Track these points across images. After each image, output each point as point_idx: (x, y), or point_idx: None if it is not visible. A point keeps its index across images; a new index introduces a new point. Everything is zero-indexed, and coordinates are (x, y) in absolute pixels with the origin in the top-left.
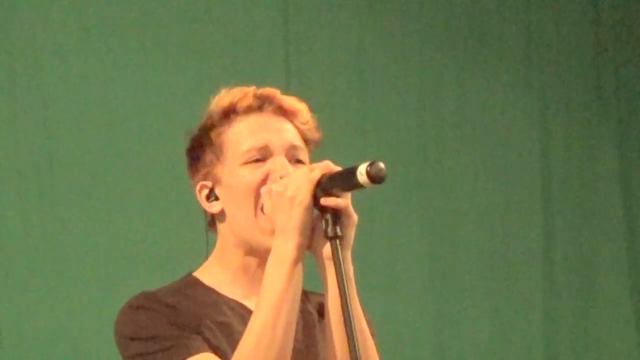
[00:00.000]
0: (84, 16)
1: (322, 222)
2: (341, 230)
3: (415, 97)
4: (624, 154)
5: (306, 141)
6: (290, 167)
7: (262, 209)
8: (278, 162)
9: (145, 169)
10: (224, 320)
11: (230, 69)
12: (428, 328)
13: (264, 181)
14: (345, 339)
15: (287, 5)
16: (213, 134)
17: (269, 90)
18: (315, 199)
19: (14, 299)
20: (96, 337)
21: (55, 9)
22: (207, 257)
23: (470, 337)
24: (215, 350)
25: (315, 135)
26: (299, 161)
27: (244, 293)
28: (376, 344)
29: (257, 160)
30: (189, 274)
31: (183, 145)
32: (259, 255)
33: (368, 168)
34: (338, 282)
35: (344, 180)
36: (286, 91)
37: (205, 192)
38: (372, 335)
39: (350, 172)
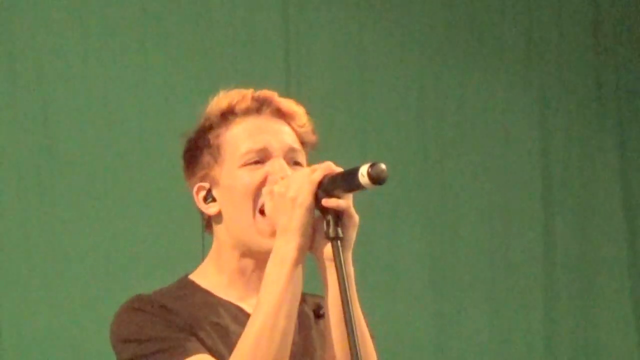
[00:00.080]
0: (84, 16)
1: (324, 223)
2: (342, 231)
3: (415, 97)
4: (624, 154)
5: (303, 143)
6: (288, 170)
7: (260, 210)
8: (277, 165)
9: (145, 169)
10: (220, 322)
11: (230, 69)
12: (428, 328)
13: (262, 183)
14: (345, 340)
15: (287, 5)
16: (211, 136)
17: (267, 93)
18: (317, 200)
19: (14, 299)
20: (96, 337)
21: (55, 9)
22: (203, 259)
23: (470, 337)
24: (211, 352)
25: (312, 137)
26: (297, 163)
27: (240, 295)
28: (375, 346)
29: (255, 162)
30: (185, 277)
31: (182, 146)
32: (256, 257)
33: (369, 169)
34: (339, 283)
35: (346, 182)
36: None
37: (203, 193)
38: (371, 336)
39: (352, 173)
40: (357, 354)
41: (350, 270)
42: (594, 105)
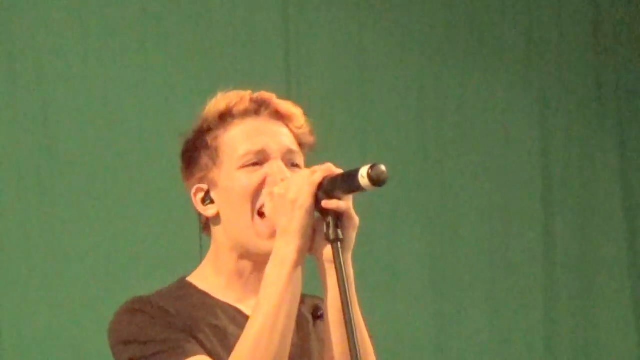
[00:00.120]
0: (84, 16)
1: (324, 224)
2: (342, 233)
3: (415, 97)
4: (624, 154)
5: (301, 145)
6: (287, 171)
7: (259, 212)
8: (275, 166)
9: (145, 169)
10: (218, 324)
11: (230, 69)
12: (428, 328)
13: (261, 185)
14: (345, 342)
15: (287, 5)
16: (209, 138)
17: (265, 95)
18: (317, 201)
19: (14, 299)
20: (96, 337)
21: (55, 9)
22: (201, 261)
23: (470, 337)
24: (209, 353)
25: (309, 139)
26: (295, 165)
27: (238, 297)
28: (374, 347)
29: (254, 164)
30: (183, 279)
31: (180, 146)
32: (254, 259)
33: (369, 171)
34: (339, 284)
35: (346, 183)
36: (286, 91)
37: (201, 195)
38: (370, 337)
39: (352, 175)
40: (357, 355)
41: (350, 271)
42: (594, 105)
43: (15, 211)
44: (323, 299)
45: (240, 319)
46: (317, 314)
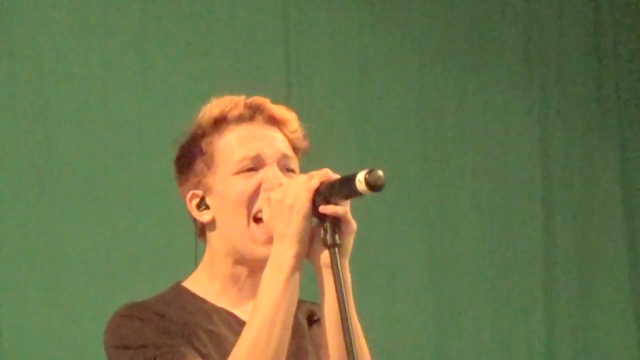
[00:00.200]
0: (84, 16)
1: (321, 230)
2: (340, 238)
3: (415, 97)
4: (624, 154)
5: (295, 149)
6: (282, 177)
7: (254, 218)
8: (270, 172)
9: (145, 170)
10: (213, 329)
11: (230, 70)
12: (428, 329)
13: (256, 191)
14: (342, 346)
15: (287, 6)
16: (204, 143)
17: (259, 100)
18: (314, 206)
19: (14, 299)
20: (96, 338)
21: (55, 9)
22: (196, 266)
23: (471, 338)
24: (205, 358)
25: (303, 143)
26: (290, 170)
27: (233, 302)
28: (370, 354)
29: (249, 170)
30: (178, 284)
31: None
32: (249, 264)
33: (367, 176)
34: (337, 289)
35: (343, 188)
36: (287, 92)
37: (196, 201)
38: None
39: (349, 180)
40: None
41: (348, 277)
42: (594, 105)
43: (15, 211)
44: (319, 304)
45: (235, 324)
46: (313, 319)
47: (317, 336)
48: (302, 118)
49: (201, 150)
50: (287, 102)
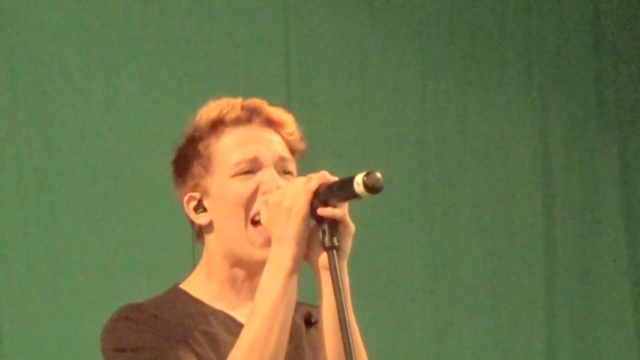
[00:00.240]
0: (84, 17)
1: (319, 232)
2: (338, 240)
3: (416, 99)
4: (624, 157)
5: (293, 152)
6: (279, 179)
7: (252, 221)
8: (268, 174)
9: (145, 170)
10: (210, 331)
11: (231, 73)
12: (429, 334)
13: (254, 193)
14: (339, 349)
15: (287, 9)
16: (201, 146)
17: (256, 102)
18: (312, 209)
19: (14, 300)
20: (96, 338)
21: (55, 8)
22: (193, 268)
23: (471, 346)
24: None
25: (301, 145)
26: (287, 172)
27: (230, 304)
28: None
29: (246, 173)
30: (175, 286)
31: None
32: (247, 267)
33: (365, 178)
34: (335, 291)
35: (341, 191)
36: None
37: (194, 203)
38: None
39: (347, 182)
40: None
41: (346, 279)
42: (594, 106)
43: (15, 212)
44: (316, 306)
45: (233, 327)
46: (310, 321)
47: (315, 338)
48: (302, 121)
49: (198, 152)
50: (288, 105)
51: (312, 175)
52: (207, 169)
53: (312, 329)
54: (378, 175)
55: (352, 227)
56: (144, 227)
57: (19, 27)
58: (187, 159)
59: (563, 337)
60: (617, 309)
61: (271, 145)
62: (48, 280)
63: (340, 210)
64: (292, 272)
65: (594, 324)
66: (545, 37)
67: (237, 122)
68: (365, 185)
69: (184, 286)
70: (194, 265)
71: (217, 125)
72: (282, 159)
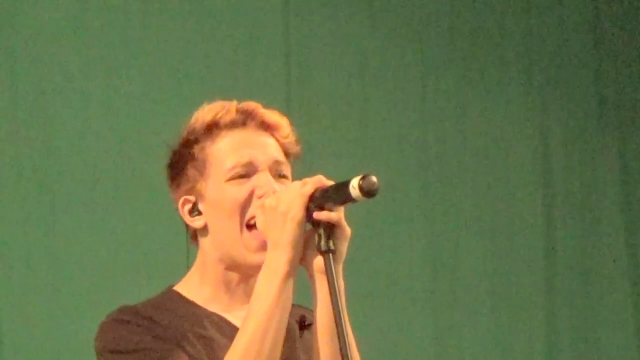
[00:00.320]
0: (84, 17)
1: (315, 236)
2: (334, 244)
3: (416, 101)
4: (624, 157)
5: (287, 155)
6: (274, 183)
7: (247, 225)
8: (262, 178)
9: (144, 170)
10: (204, 334)
11: (231, 74)
12: (429, 334)
13: (249, 197)
14: (335, 353)
15: (287, 10)
16: (196, 149)
17: (251, 105)
18: (308, 213)
19: (14, 300)
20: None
21: (55, 9)
22: (187, 271)
23: (471, 347)
24: None
25: (295, 148)
26: (282, 176)
27: (224, 307)
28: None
29: (241, 177)
30: (169, 288)
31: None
32: (241, 271)
33: (360, 182)
34: (331, 295)
35: (337, 194)
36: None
37: (188, 206)
38: None
39: (343, 186)
40: None
41: (341, 283)
42: (594, 108)
43: (14, 212)
44: (310, 309)
45: (227, 329)
46: (304, 324)
47: (308, 341)
48: (302, 121)
49: (193, 156)
50: (288, 105)
51: (307, 179)
52: (202, 172)
53: (306, 332)
54: (374, 179)
55: (348, 230)
56: (144, 227)
57: (19, 27)
58: (182, 162)
59: (563, 337)
60: (617, 309)
61: (266, 149)
62: (48, 280)
63: (336, 214)
64: (287, 277)
65: (594, 324)
66: (545, 37)
67: (232, 125)
68: (361, 189)
69: (178, 288)
70: (188, 267)
71: (212, 128)
72: (277, 162)
